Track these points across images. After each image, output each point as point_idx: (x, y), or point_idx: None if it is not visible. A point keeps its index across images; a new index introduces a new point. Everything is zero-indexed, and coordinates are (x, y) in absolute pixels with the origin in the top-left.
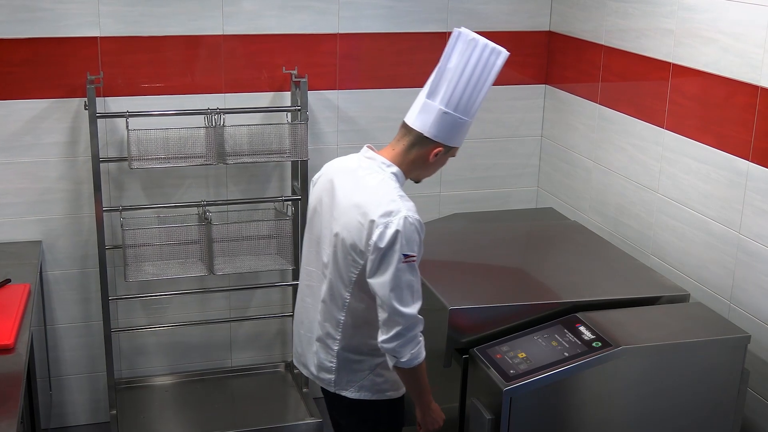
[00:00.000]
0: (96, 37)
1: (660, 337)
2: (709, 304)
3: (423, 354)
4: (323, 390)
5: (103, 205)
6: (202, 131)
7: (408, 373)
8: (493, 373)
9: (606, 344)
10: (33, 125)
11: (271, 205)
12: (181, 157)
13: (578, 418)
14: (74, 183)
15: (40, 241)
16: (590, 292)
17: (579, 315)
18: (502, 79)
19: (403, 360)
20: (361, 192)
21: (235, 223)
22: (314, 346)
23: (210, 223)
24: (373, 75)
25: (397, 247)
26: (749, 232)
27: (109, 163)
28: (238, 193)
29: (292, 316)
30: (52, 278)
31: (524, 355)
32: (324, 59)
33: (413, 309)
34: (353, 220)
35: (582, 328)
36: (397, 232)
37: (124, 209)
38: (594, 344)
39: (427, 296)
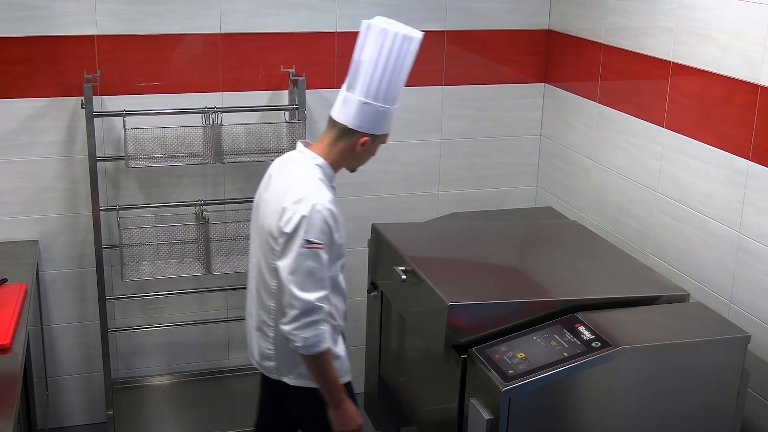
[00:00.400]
0: (93, 36)
1: (659, 337)
2: (709, 304)
3: (323, 344)
4: (263, 377)
5: (100, 205)
6: (200, 130)
7: (309, 361)
8: (492, 373)
9: (605, 344)
10: (29, 124)
11: None
12: (179, 156)
13: (577, 419)
14: (71, 182)
15: (36, 241)
16: (589, 291)
17: (578, 315)
18: (500, 78)
19: (298, 345)
20: (284, 184)
21: (233, 222)
22: (255, 335)
23: (207, 222)
24: None
25: (301, 232)
26: (749, 232)
27: (106, 162)
28: (235, 193)
29: None
30: (48, 278)
31: (523, 355)
32: (322, 57)
33: (311, 295)
34: (273, 209)
35: (581, 328)
36: (302, 217)
37: (121, 208)
38: (593, 344)
39: (426, 293)
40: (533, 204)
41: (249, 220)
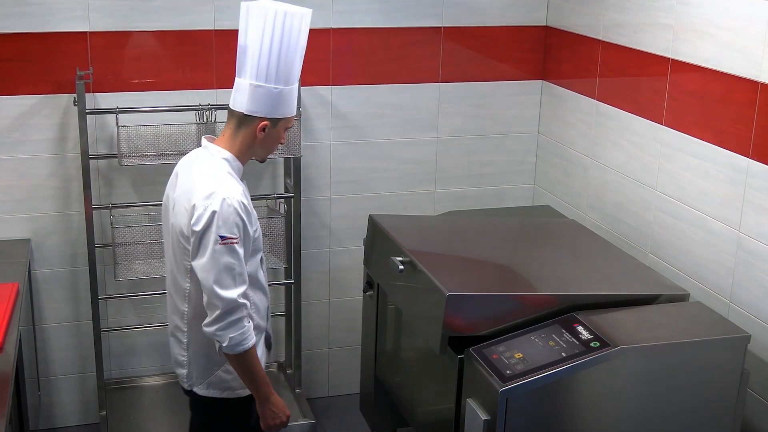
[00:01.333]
0: (85, 32)
1: (659, 336)
2: (709, 304)
3: (249, 341)
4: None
5: (93, 203)
6: (193, 127)
7: (235, 360)
8: (490, 374)
9: (604, 344)
10: (21, 121)
11: (263, 202)
12: (172, 154)
13: (576, 419)
14: (63, 180)
15: (28, 239)
16: (588, 291)
17: (576, 314)
18: (497, 75)
19: (224, 345)
20: (191, 181)
21: None
22: (170, 341)
23: None
24: (366, 70)
25: (213, 228)
26: (749, 230)
27: (99, 160)
28: None
29: (284, 315)
30: (40, 277)
31: (521, 355)
32: (317, 54)
33: (233, 293)
34: (181, 208)
35: (580, 328)
36: (213, 213)
37: (114, 207)
38: (592, 344)
39: (425, 283)
40: (531, 202)
41: None
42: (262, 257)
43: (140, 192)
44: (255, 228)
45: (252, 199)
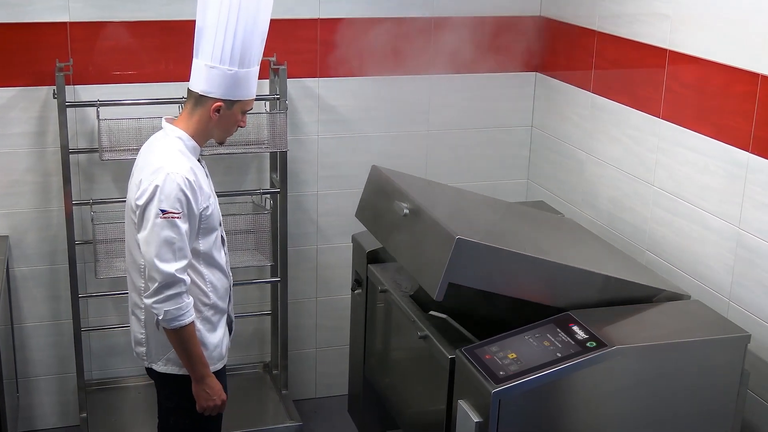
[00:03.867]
0: (65, 23)
1: (656, 336)
2: (708, 302)
3: (186, 317)
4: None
5: (73, 199)
6: None
7: (172, 335)
8: (482, 374)
9: (600, 344)
10: None
11: (248, 198)
12: None
13: (571, 421)
14: (42, 175)
15: (6, 236)
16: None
17: (572, 313)
18: (490, 67)
19: (160, 318)
20: (145, 160)
21: None
22: (130, 320)
23: None
24: (355, 62)
25: (155, 202)
26: (749, 227)
27: (79, 155)
28: (214, 186)
29: (270, 314)
30: (19, 275)
31: (514, 355)
32: (304, 46)
33: (171, 266)
34: (133, 185)
35: (575, 328)
36: (156, 187)
37: (95, 203)
38: (588, 344)
39: (430, 228)
40: (524, 198)
41: (229, 214)
42: (222, 237)
43: (122, 187)
44: (206, 206)
45: (237, 195)
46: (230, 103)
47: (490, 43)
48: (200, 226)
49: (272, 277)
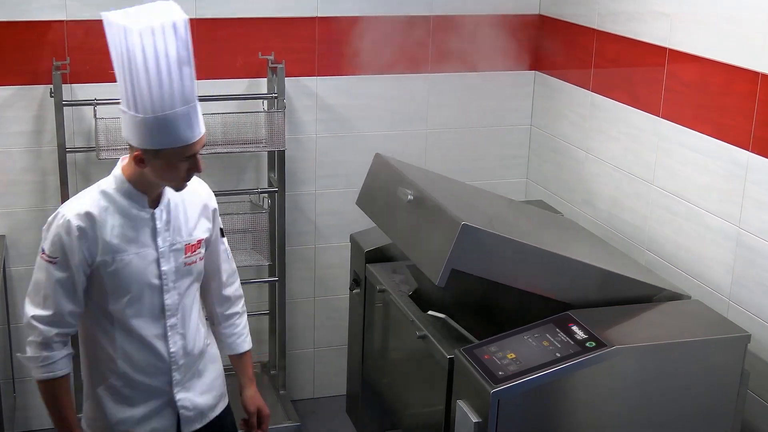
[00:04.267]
0: (62, 21)
1: (656, 336)
2: (708, 302)
3: (40, 372)
4: None
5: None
6: None
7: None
8: (481, 375)
9: (600, 344)
10: None
11: (246, 197)
12: None
13: (570, 422)
14: (39, 174)
15: (3, 236)
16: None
17: (571, 313)
18: (489, 65)
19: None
20: None
21: None
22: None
23: None
24: (353, 61)
25: (43, 238)
26: (749, 226)
27: (76, 154)
28: (211, 185)
29: (268, 314)
30: (16, 275)
31: (514, 355)
32: (302, 44)
33: (29, 310)
34: None
35: (575, 328)
36: (47, 223)
37: None
38: (587, 344)
39: (435, 214)
40: (523, 197)
41: (227, 214)
42: (165, 306)
43: None
44: (105, 260)
45: (234, 194)
46: (153, 152)
47: (489, 41)
48: (104, 281)
49: (270, 276)
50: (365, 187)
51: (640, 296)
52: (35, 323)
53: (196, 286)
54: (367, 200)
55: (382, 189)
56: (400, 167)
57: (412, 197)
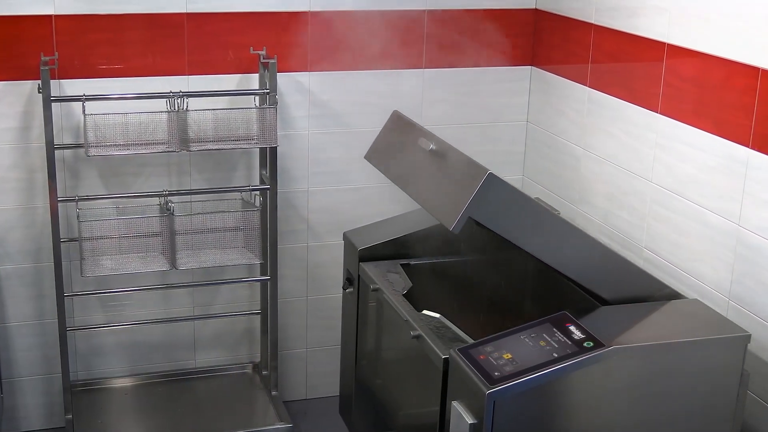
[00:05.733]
0: (50, 15)
1: (654, 336)
2: (707, 301)
3: None
4: None
5: (58, 195)
6: (164, 116)
7: None
8: (476, 375)
9: (598, 344)
10: None
11: (237, 195)
12: (142, 144)
13: (567, 424)
14: (27, 171)
15: None
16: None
17: (568, 313)
18: (484, 61)
19: None
20: None
21: (200, 214)
22: None
23: (172, 214)
24: (347, 56)
25: None
26: (749, 224)
27: (65, 150)
28: (202, 182)
29: (260, 313)
30: (3, 273)
31: (510, 355)
32: (295, 39)
33: None
34: None
35: (572, 327)
36: None
37: (81, 199)
38: (585, 344)
39: (458, 164)
40: None
41: (218, 212)
42: None
43: (108, 184)
44: None
45: (226, 191)
46: None
47: (484, 36)
48: None
49: (262, 275)
50: (377, 143)
51: (638, 295)
52: None
53: None
54: (377, 154)
55: (398, 142)
56: (420, 124)
57: (434, 146)
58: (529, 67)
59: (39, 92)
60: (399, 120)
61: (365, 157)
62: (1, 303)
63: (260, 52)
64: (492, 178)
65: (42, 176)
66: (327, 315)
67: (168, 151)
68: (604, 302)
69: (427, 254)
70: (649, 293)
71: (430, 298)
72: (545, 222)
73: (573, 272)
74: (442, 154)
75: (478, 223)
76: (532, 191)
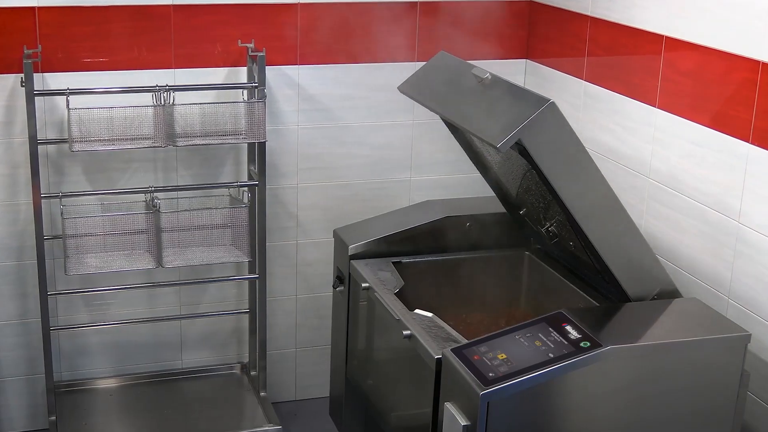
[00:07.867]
0: (33, 7)
1: (652, 336)
2: (706, 300)
3: None
4: None
5: (42, 192)
6: (150, 110)
7: None
8: (470, 376)
9: (594, 344)
10: None
11: (225, 191)
12: (127, 139)
13: (563, 425)
14: (10, 167)
15: None
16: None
17: (565, 312)
18: (478, 53)
19: None
20: None
21: (186, 211)
22: None
23: (158, 211)
24: (337, 49)
25: None
26: (749, 221)
27: (48, 146)
28: (189, 179)
29: (248, 312)
30: None
31: (504, 356)
32: (283, 31)
33: None
34: None
35: (568, 327)
36: None
37: (65, 196)
38: (581, 344)
39: (514, 93)
40: None
41: (206, 208)
42: None
43: (93, 180)
44: None
45: (213, 187)
46: None
47: (478, 28)
48: None
49: (250, 273)
50: (416, 76)
51: (635, 294)
52: None
53: None
54: (415, 86)
55: (443, 75)
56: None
57: (489, 75)
58: (524, 60)
59: (22, 86)
60: (446, 58)
61: (398, 88)
62: None
63: (248, 45)
64: (554, 107)
65: (25, 172)
66: (317, 314)
67: (154, 147)
68: (605, 288)
69: (419, 252)
70: (660, 288)
71: (423, 296)
72: (589, 175)
73: (594, 235)
74: (498, 84)
75: (521, 153)
76: None
